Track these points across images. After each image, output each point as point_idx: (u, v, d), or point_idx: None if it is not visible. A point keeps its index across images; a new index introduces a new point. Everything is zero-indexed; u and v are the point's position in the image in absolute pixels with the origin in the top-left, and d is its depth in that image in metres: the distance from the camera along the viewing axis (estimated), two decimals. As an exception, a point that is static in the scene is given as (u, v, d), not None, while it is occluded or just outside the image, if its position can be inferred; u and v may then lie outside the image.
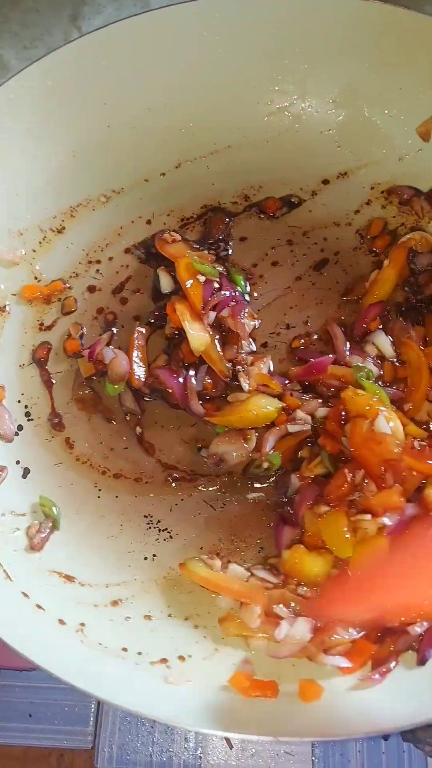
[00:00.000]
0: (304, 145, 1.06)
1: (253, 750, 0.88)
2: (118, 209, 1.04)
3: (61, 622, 0.78)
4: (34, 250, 1.00)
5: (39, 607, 0.78)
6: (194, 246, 0.98)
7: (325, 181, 1.06)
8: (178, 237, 0.98)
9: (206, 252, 0.98)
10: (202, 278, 0.93)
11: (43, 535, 0.85)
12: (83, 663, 0.72)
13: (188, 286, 0.92)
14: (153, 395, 0.94)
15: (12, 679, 0.92)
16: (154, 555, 0.87)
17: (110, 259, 1.03)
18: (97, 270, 1.02)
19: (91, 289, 1.01)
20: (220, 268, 0.97)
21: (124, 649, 0.77)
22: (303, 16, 0.98)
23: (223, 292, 0.93)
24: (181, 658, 0.77)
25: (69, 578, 0.82)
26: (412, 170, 1.04)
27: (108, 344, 0.96)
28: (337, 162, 1.06)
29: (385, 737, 0.88)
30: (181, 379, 0.91)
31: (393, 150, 1.04)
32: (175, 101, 1.04)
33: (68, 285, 1.01)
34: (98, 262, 1.02)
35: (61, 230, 1.02)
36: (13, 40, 1.24)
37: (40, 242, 1.00)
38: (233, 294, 0.95)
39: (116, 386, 0.93)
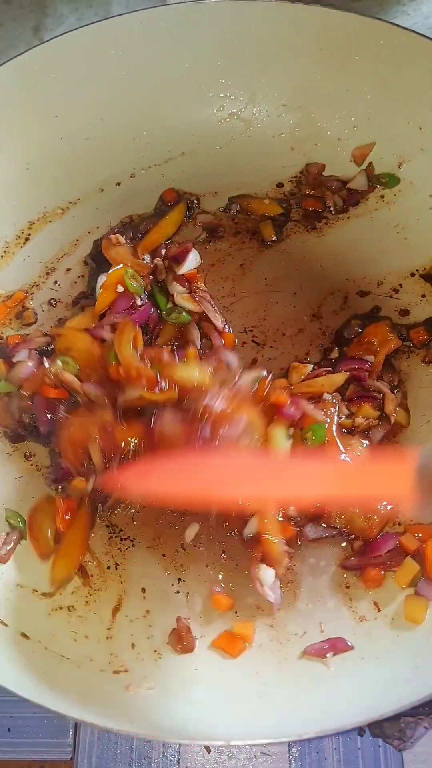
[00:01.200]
0: (257, 150, 1.07)
1: (230, 753, 0.88)
2: (75, 220, 1.04)
3: (24, 636, 0.78)
4: (-8, 263, 1.01)
5: (1, 622, 0.78)
6: (137, 255, 0.98)
7: (280, 185, 1.07)
8: (122, 240, 0.98)
9: (146, 263, 0.98)
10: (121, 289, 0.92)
11: (9, 547, 0.86)
12: (43, 677, 0.72)
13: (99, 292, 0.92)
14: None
15: (-10, 696, 0.92)
16: (117, 564, 0.87)
17: (68, 270, 1.03)
18: (55, 281, 1.02)
19: (51, 302, 1.02)
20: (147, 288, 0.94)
21: (89, 659, 0.77)
22: (247, 22, 1.00)
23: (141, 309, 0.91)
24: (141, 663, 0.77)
25: (33, 591, 0.83)
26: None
27: (37, 350, 0.93)
28: (291, 165, 1.07)
29: (360, 733, 0.88)
30: (49, 416, 0.86)
31: (344, 150, 1.05)
32: (126, 110, 1.05)
33: (30, 293, 1.01)
34: (54, 272, 1.02)
35: (19, 243, 1.02)
36: (-23, 53, 1.25)
37: (1, 255, 1.01)
38: (149, 313, 0.93)
39: (5, 384, 0.91)
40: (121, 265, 0.94)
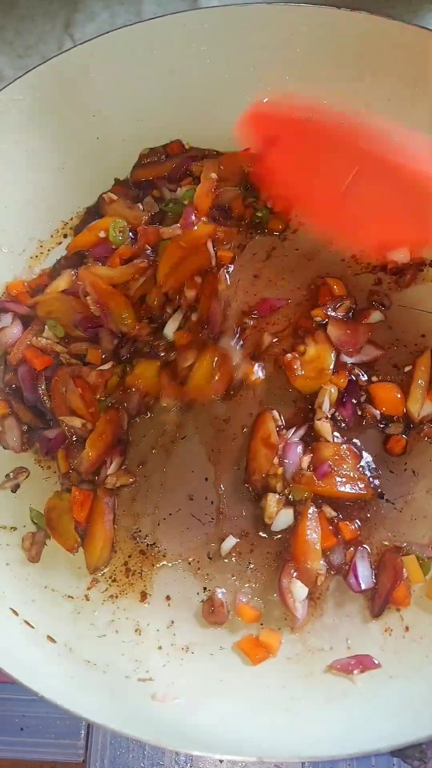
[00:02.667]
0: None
1: (243, 762, 0.88)
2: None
3: (50, 639, 0.78)
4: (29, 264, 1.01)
5: (28, 624, 0.78)
6: (129, 204, 0.99)
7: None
8: (114, 197, 1.00)
9: (141, 210, 0.99)
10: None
11: (38, 546, 0.86)
12: (68, 680, 0.72)
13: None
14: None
15: (4, 692, 0.92)
16: (142, 570, 0.86)
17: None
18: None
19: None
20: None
21: (111, 666, 0.76)
22: (288, 26, 0.98)
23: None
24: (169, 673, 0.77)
25: (60, 593, 0.82)
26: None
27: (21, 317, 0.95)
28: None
29: (378, 750, 0.87)
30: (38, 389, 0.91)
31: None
32: (163, 112, 1.04)
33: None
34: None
35: (53, 242, 1.02)
36: (7, 48, 1.24)
37: (36, 256, 1.01)
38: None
39: None
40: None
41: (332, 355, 0.93)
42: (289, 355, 0.93)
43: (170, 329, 0.93)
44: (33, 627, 0.78)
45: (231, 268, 0.98)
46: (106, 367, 0.91)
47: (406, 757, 0.84)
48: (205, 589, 0.85)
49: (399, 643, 0.78)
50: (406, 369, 0.95)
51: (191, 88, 1.03)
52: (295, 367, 0.92)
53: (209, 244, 0.95)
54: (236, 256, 1.00)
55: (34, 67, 0.95)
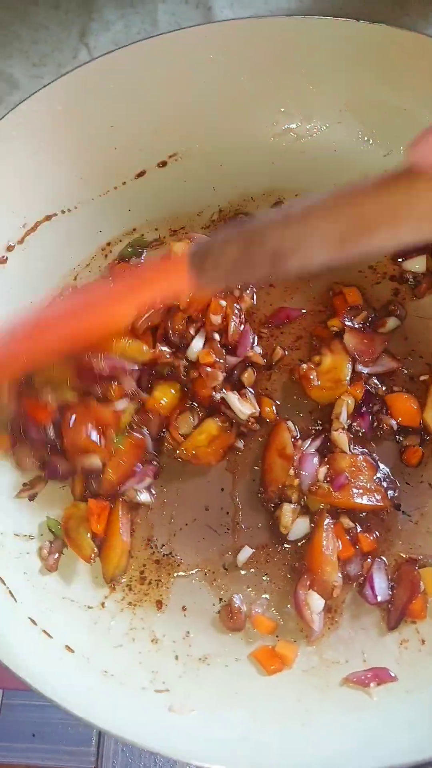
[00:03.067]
0: (309, 166, 1.05)
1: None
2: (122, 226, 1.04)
3: (69, 648, 0.78)
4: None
5: (46, 633, 0.78)
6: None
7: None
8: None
9: None
10: None
11: (56, 556, 0.86)
12: (86, 691, 0.73)
13: None
14: None
15: (16, 698, 0.93)
16: (159, 580, 0.87)
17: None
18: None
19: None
20: None
21: (128, 677, 0.77)
22: (305, 38, 0.98)
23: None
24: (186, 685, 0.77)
25: (78, 603, 0.83)
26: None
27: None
28: (342, 182, 1.05)
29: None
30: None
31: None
32: (180, 124, 1.04)
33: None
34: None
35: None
36: (22, 57, 1.25)
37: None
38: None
39: None
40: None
41: (348, 365, 0.93)
42: (304, 366, 0.93)
43: (194, 351, 0.92)
44: (51, 637, 0.78)
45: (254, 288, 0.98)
46: (122, 406, 0.88)
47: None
48: (220, 599, 0.85)
49: (415, 657, 0.78)
50: (422, 378, 0.95)
51: (207, 99, 1.03)
52: (311, 377, 0.92)
53: None
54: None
55: (55, 79, 0.96)
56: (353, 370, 0.93)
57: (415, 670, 0.77)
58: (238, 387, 0.94)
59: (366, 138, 1.05)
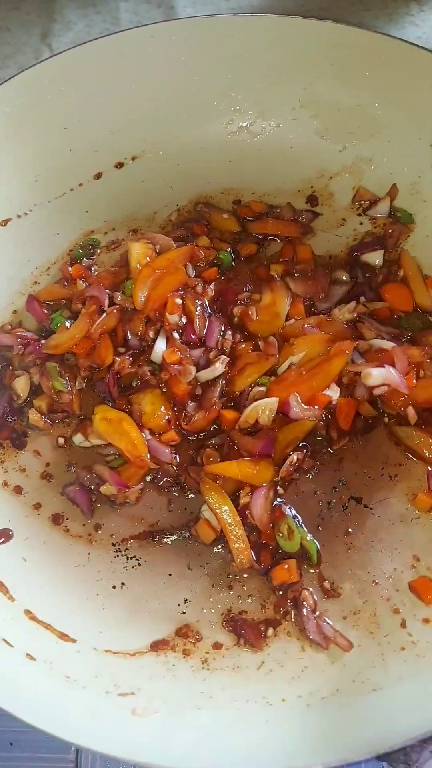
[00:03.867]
0: (265, 164, 1.06)
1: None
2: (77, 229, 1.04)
3: (29, 656, 0.77)
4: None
5: (6, 642, 0.77)
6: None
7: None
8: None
9: None
10: None
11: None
12: (47, 699, 0.71)
13: None
14: None
15: (-8, 708, 0.91)
16: (123, 583, 0.86)
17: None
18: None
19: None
20: None
21: (91, 682, 0.76)
22: (258, 36, 0.99)
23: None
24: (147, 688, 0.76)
25: (30, 614, 0.82)
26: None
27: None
28: (300, 179, 1.06)
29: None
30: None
31: (351, 165, 1.05)
32: (136, 123, 1.04)
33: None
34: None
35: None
36: (-17, 59, 1.24)
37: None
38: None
39: None
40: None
41: (288, 299, 0.96)
42: (238, 308, 0.96)
43: (158, 353, 0.92)
44: (12, 646, 0.77)
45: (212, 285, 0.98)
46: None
47: (392, 761, 0.85)
48: (185, 600, 0.84)
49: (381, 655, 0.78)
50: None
51: (163, 98, 1.03)
52: (250, 313, 0.95)
53: (187, 265, 0.96)
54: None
55: (8, 79, 0.96)
56: (319, 312, 0.97)
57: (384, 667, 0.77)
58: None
59: (321, 135, 1.05)
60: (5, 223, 1.00)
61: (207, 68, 1.02)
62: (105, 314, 0.93)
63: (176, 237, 1.01)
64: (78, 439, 0.92)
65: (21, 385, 0.94)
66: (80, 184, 1.04)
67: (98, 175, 1.05)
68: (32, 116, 0.98)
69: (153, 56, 1.00)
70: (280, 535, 0.84)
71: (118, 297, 0.95)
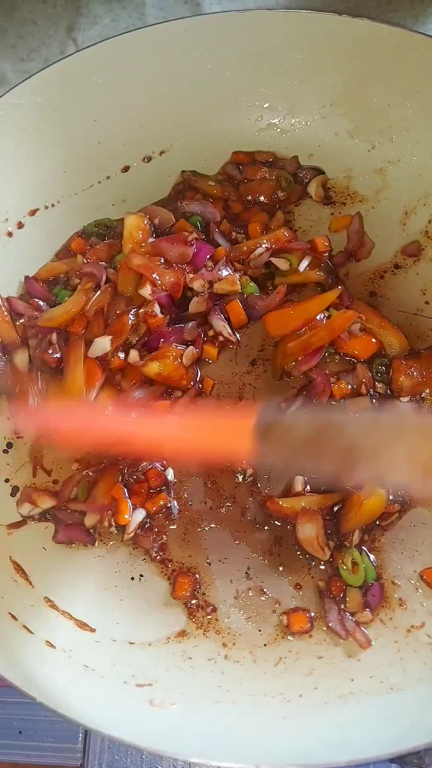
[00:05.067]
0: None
1: (242, 766, 0.88)
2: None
3: (49, 644, 0.78)
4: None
5: (26, 629, 0.78)
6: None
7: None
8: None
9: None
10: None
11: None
12: (67, 686, 0.72)
13: None
14: None
15: (2, 696, 0.92)
16: (141, 575, 0.86)
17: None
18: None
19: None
20: None
21: (109, 671, 0.77)
22: (289, 32, 0.98)
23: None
24: (164, 681, 0.77)
25: (51, 603, 0.82)
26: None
27: None
28: (330, 176, 1.06)
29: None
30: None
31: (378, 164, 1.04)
32: (165, 117, 1.04)
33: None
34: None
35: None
36: (9, 52, 1.24)
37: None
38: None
39: None
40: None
41: None
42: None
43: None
44: (32, 633, 0.78)
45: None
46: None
47: (404, 763, 0.84)
48: (204, 593, 0.85)
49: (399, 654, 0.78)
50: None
51: (192, 93, 1.03)
52: None
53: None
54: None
55: (37, 72, 0.96)
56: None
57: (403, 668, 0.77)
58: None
59: (350, 133, 1.05)
60: (33, 213, 1.00)
61: (236, 64, 1.01)
62: (99, 291, 0.93)
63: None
64: (25, 509, 0.88)
65: (20, 359, 0.94)
66: (108, 177, 1.04)
67: (126, 168, 1.05)
68: (63, 108, 0.98)
69: (182, 51, 1.00)
70: (344, 567, 0.82)
71: (111, 271, 0.95)
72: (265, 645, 0.80)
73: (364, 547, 0.84)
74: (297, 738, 0.70)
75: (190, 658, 0.79)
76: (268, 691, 0.75)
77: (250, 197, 1.04)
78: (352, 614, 0.80)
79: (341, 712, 0.72)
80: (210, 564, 0.86)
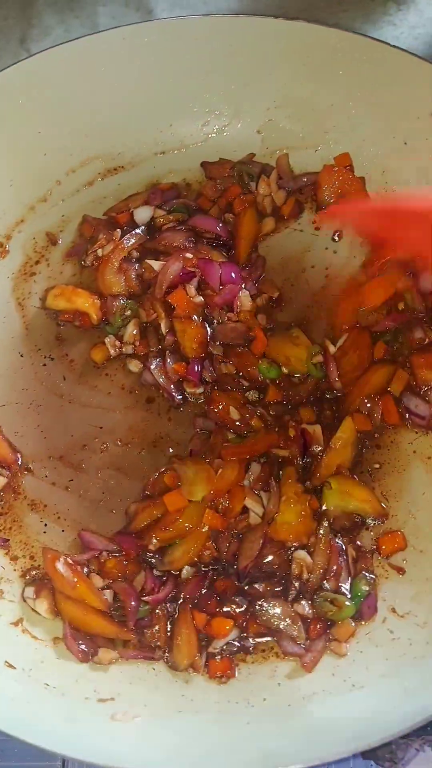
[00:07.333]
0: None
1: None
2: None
3: (9, 665, 0.76)
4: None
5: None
6: None
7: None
8: None
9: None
10: None
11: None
12: (25, 706, 0.71)
13: None
14: None
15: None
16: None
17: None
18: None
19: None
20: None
21: (70, 688, 0.75)
22: (232, 37, 0.99)
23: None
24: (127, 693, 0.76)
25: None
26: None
27: None
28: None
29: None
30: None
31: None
32: (111, 126, 1.04)
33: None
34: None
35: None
36: (-39, 63, 1.23)
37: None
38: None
39: None
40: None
41: None
42: None
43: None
44: (-10, 654, 0.76)
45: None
46: None
47: (378, 759, 0.85)
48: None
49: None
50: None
51: (140, 102, 1.03)
52: None
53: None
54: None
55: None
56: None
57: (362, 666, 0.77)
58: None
59: (297, 134, 1.05)
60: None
61: (181, 70, 1.02)
62: None
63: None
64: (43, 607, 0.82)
65: None
66: (58, 182, 1.03)
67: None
68: (6, 119, 0.98)
69: (127, 58, 1.00)
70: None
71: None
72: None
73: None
74: (262, 742, 0.70)
75: (154, 669, 0.78)
76: (232, 698, 0.75)
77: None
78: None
79: (305, 713, 0.72)
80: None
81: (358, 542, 0.83)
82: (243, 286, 0.96)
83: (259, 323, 0.95)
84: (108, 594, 0.81)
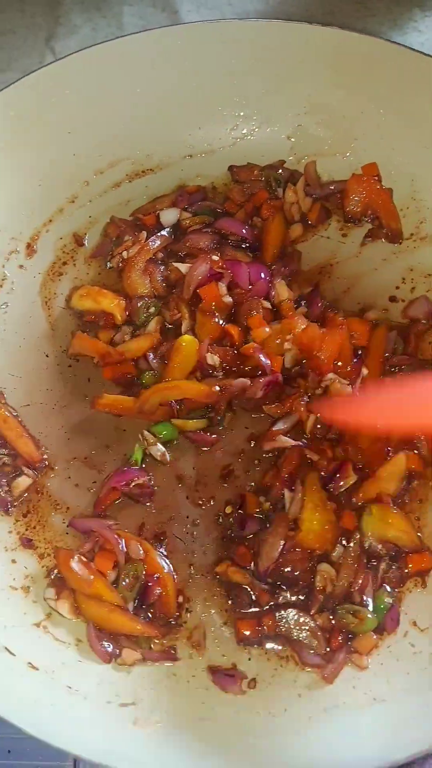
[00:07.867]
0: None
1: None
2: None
3: (32, 666, 0.76)
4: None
5: (8, 651, 0.77)
6: None
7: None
8: None
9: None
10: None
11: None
12: (49, 708, 0.71)
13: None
14: None
15: (-10, 714, 0.90)
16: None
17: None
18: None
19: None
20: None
21: (92, 691, 0.75)
22: (263, 42, 0.99)
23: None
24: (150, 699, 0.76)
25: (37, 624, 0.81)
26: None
27: None
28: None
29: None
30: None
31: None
32: (140, 128, 1.04)
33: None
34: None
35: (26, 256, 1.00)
36: (-12, 62, 1.23)
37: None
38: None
39: None
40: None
41: None
42: None
43: None
44: (14, 654, 0.77)
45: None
46: None
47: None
48: (186, 609, 0.84)
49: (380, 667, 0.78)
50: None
51: (169, 104, 1.03)
52: None
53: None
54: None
55: (12, 83, 0.95)
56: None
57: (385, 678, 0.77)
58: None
59: (326, 140, 1.05)
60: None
61: (211, 73, 1.01)
62: None
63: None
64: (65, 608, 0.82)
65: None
66: (87, 183, 1.03)
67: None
68: (37, 120, 0.97)
69: (156, 61, 1.00)
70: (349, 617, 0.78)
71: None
72: (249, 659, 0.80)
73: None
74: (282, 753, 0.70)
75: (174, 675, 0.79)
76: (253, 707, 0.75)
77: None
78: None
79: (327, 725, 0.72)
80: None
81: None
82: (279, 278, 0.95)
83: (300, 315, 0.92)
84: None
